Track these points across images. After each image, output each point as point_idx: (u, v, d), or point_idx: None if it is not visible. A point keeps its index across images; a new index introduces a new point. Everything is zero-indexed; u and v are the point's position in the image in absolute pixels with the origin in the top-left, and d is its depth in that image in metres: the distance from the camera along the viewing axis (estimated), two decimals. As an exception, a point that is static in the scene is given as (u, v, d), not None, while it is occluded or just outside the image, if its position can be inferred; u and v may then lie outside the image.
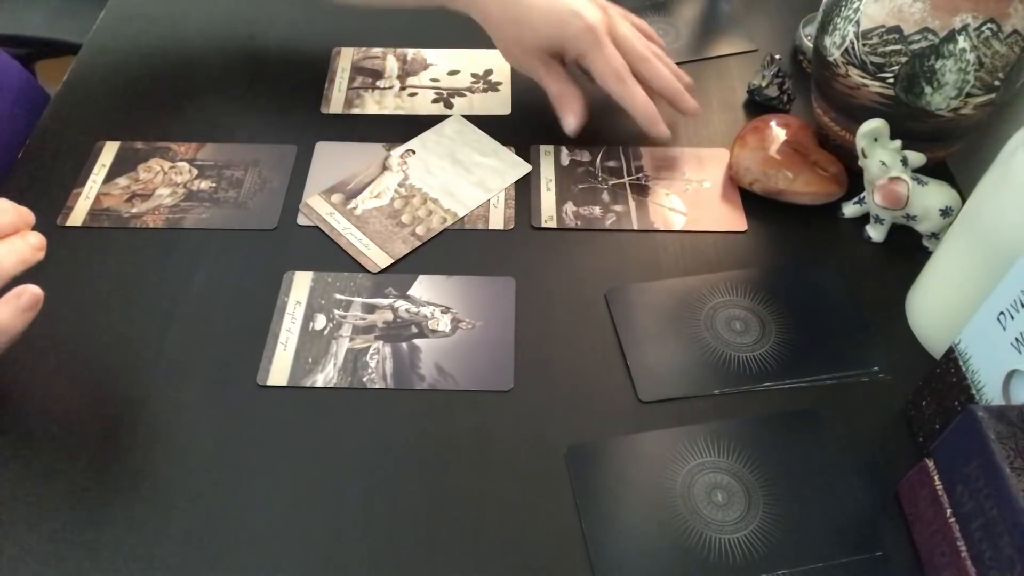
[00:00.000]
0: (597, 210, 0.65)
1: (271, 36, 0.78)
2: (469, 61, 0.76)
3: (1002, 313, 0.45)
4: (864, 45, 0.58)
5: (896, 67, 0.57)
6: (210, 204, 0.64)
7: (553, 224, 0.63)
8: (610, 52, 0.62)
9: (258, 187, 0.65)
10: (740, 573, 0.47)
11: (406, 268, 0.60)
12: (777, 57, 0.71)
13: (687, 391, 0.54)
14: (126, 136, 0.69)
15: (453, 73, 0.75)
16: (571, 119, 0.65)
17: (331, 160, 0.67)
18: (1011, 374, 0.45)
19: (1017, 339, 0.44)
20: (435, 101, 0.72)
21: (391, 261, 0.61)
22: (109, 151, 0.68)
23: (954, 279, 0.54)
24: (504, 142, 0.69)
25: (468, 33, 0.79)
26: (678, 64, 0.76)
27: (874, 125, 0.57)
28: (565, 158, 0.68)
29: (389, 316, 0.58)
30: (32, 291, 0.47)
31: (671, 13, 0.82)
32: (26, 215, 0.49)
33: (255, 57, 0.75)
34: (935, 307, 0.56)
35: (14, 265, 0.47)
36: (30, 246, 0.48)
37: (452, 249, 0.62)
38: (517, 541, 0.48)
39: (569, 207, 0.65)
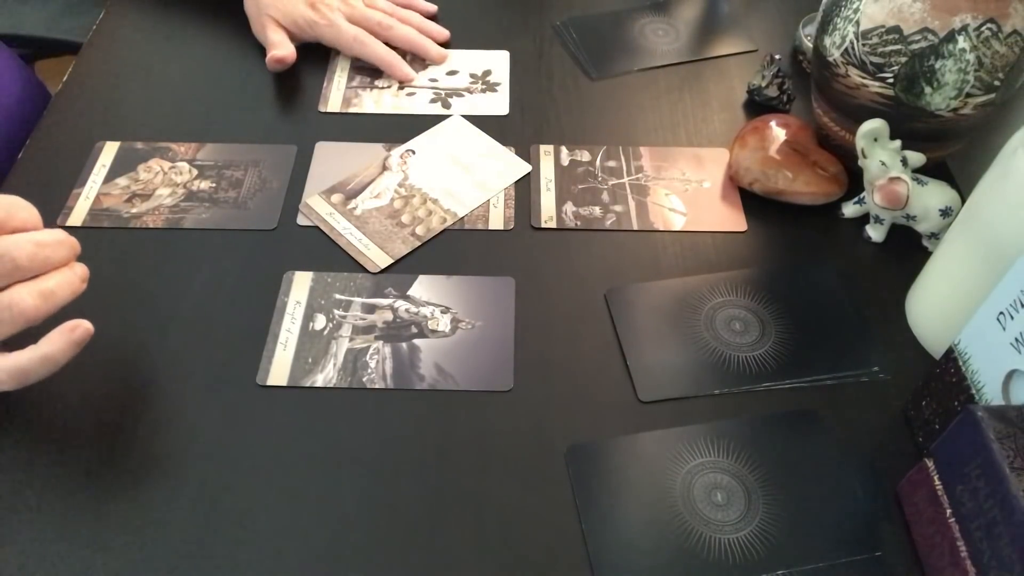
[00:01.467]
0: (597, 210, 0.65)
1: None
2: (468, 61, 0.76)
3: (1002, 313, 0.45)
4: (864, 45, 0.58)
5: (896, 67, 0.57)
6: (210, 204, 0.64)
7: (553, 224, 0.63)
8: (344, 29, 0.73)
9: (258, 187, 0.65)
10: (740, 573, 0.47)
11: (406, 268, 0.60)
12: (777, 57, 0.71)
13: (687, 391, 0.54)
14: (126, 136, 0.69)
15: (452, 73, 0.75)
16: (276, 53, 0.73)
17: (331, 160, 0.67)
18: (1011, 374, 0.45)
19: (1017, 339, 0.44)
20: (433, 101, 0.72)
21: (391, 261, 0.61)
22: (109, 151, 0.68)
23: (954, 279, 0.54)
24: (504, 142, 0.69)
25: (467, 33, 0.79)
26: (678, 64, 0.77)
27: (874, 125, 0.57)
28: (565, 158, 0.68)
29: (389, 316, 0.58)
30: (85, 327, 0.48)
31: (671, 13, 0.82)
32: (76, 246, 0.50)
33: (255, 56, 0.75)
34: (935, 307, 0.56)
35: (66, 297, 0.49)
36: (78, 276, 0.50)
37: (452, 249, 0.62)
38: (517, 541, 0.48)
39: (569, 207, 0.65)
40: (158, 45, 0.77)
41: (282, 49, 0.72)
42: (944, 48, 0.55)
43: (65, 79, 0.74)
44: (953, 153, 0.64)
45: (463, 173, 0.67)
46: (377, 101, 0.72)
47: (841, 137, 0.64)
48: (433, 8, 0.80)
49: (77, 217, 0.63)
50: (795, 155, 0.63)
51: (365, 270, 0.60)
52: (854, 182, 0.64)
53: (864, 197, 0.62)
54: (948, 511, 0.45)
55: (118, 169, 0.66)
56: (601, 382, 0.55)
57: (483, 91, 0.73)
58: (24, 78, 0.80)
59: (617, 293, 0.59)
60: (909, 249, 0.62)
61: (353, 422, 0.52)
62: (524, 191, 0.66)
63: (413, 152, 0.68)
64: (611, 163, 0.68)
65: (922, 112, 0.58)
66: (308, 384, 0.54)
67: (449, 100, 0.73)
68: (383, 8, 0.77)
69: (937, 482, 0.46)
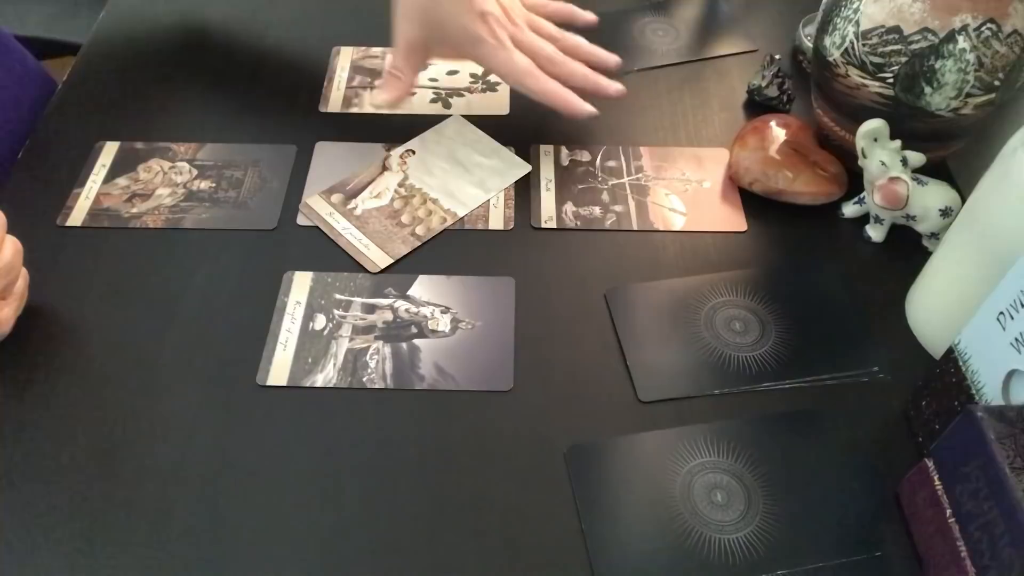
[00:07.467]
0: (597, 210, 0.65)
1: (271, 35, 0.78)
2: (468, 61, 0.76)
3: (1002, 313, 0.45)
4: (864, 45, 0.58)
5: (896, 67, 0.57)
6: (210, 204, 0.64)
7: (553, 224, 0.63)
8: (515, 56, 0.63)
9: (258, 187, 0.65)
10: (740, 573, 0.47)
11: (406, 268, 0.60)
12: (777, 57, 0.71)
13: (687, 391, 0.54)
14: (126, 136, 0.69)
15: (452, 73, 0.75)
16: (385, 95, 0.66)
17: (331, 160, 0.67)
18: (1011, 374, 0.45)
19: (1017, 339, 0.44)
20: (433, 101, 0.72)
21: (391, 261, 0.61)
22: (109, 151, 0.68)
23: (954, 279, 0.54)
24: (504, 142, 0.69)
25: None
26: (678, 64, 0.77)
27: (874, 125, 0.57)
28: (565, 158, 0.68)
29: (389, 316, 0.58)
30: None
31: (671, 13, 0.82)
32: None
33: (255, 56, 0.75)
34: (935, 307, 0.56)
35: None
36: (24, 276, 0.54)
37: (452, 249, 0.62)
38: (517, 541, 0.48)
39: (569, 207, 0.65)
40: (158, 45, 0.77)
41: (391, 90, 0.64)
42: (944, 48, 0.55)
43: (65, 79, 0.74)
44: (953, 153, 0.64)
45: (463, 173, 0.67)
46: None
47: (841, 137, 0.64)
48: (594, 19, 0.70)
49: (77, 217, 0.63)
50: (795, 155, 0.63)
51: (365, 270, 0.60)
52: (854, 182, 0.64)
53: (864, 197, 0.62)
54: (948, 511, 0.45)
55: (118, 169, 0.66)
56: (601, 382, 0.55)
57: (483, 91, 0.73)
58: (29, 61, 0.79)
59: (617, 293, 0.59)
60: (909, 249, 0.62)
61: (353, 422, 0.52)
62: (524, 191, 0.66)
63: (413, 152, 0.68)
64: (611, 163, 0.68)
65: (922, 112, 0.58)
66: (308, 384, 0.54)
67: (449, 100, 0.73)
68: (550, 34, 0.66)
69: (937, 482, 0.46)
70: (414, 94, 0.70)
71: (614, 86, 0.65)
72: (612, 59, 0.67)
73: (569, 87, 0.64)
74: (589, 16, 0.70)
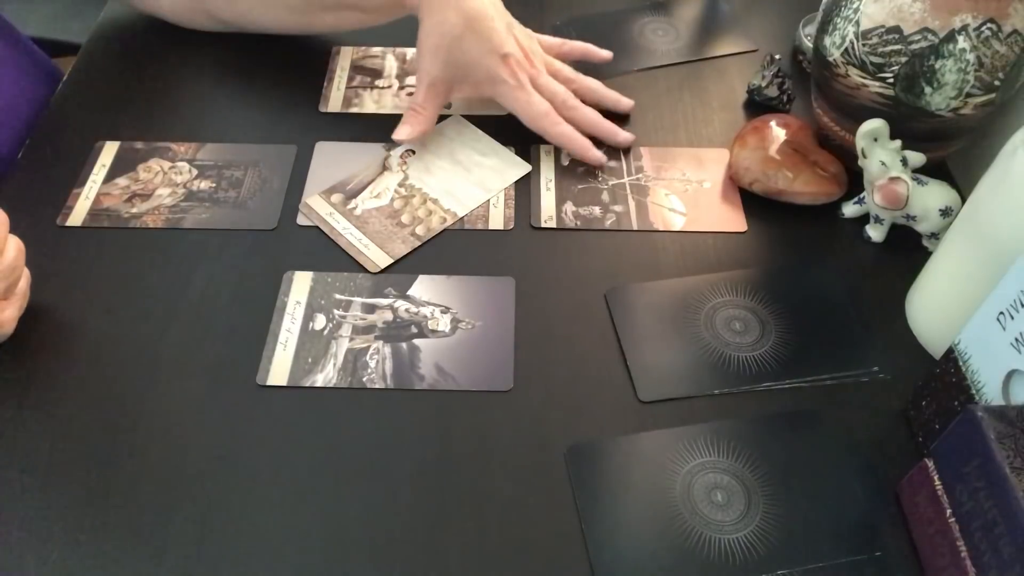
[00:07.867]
0: (597, 210, 0.65)
1: (271, 35, 0.78)
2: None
3: (1002, 313, 0.45)
4: (864, 45, 0.58)
5: (896, 67, 0.57)
6: (210, 204, 0.64)
7: (553, 224, 0.63)
8: (534, 98, 0.66)
9: (258, 187, 0.65)
10: (740, 573, 0.47)
11: (406, 268, 0.60)
12: (777, 57, 0.71)
13: (687, 391, 0.54)
14: (126, 136, 0.69)
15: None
16: (408, 130, 0.67)
17: (331, 160, 0.67)
18: (1011, 374, 0.45)
19: (1017, 339, 0.44)
20: (435, 101, 0.72)
21: (391, 261, 0.61)
22: (109, 151, 0.68)
23: (954, 279, 0.54)
24: (504, 142, 0.69)
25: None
26: (678, 64, 0.77)
27: (874, 125, 0.57)
28: (565, 158, 0.68)
29: (389, 316, 0.58)
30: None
31: (671, 13, 0.82)
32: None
33: (255, 56, 0.75)
34: (935, 307, 0.56)
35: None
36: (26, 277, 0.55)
37: (452, 249, 0.62)
38: (517, 541, 0.48)
39: (569, 207, 0.65)
40: (158, 45, 0.77)
41: (414, 124, 0.66)
42: (944, 48, 0.55)
43: (65, 79, 0.74)
44: (953, 153, 0.64)
45: (463, 173, 0.67)
46: (378, 101, 0.72)
47: (841, 137, 0.64)
48: (609, 55, 0.73)
49: (77, 217, 0.63)
50: (795, 155, 0.63)
51: (365, 270, 0.60)
52: (854, 182, 0.64)
53: (864, 197, 0.62)
54: (948, 511, 0.45)
55: (118, 169, 0.66)
56: (601, 382, 0.55)
57: (483, 91, 0.73)
58: (31, 50, 0.79)
59: (617, 293, 0.59)
60: (909, 249, 0.62)
61: (353, 422, 0.52)
62: (524, 191, 0.66)
63: (413, 152, 0.68)
64: (611, 163, 0.68)
65: (922, 112, 0.58)
66: (308, 384, 0.54)
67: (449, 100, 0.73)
68: (566, 77, 0.70)
69: (937, 482, 0.46)
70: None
71: (622, 135, 0.68)
72: (625, 103, 0.71)
73: (582, 132, 0.67)
74: (605, 54, 0.74)
